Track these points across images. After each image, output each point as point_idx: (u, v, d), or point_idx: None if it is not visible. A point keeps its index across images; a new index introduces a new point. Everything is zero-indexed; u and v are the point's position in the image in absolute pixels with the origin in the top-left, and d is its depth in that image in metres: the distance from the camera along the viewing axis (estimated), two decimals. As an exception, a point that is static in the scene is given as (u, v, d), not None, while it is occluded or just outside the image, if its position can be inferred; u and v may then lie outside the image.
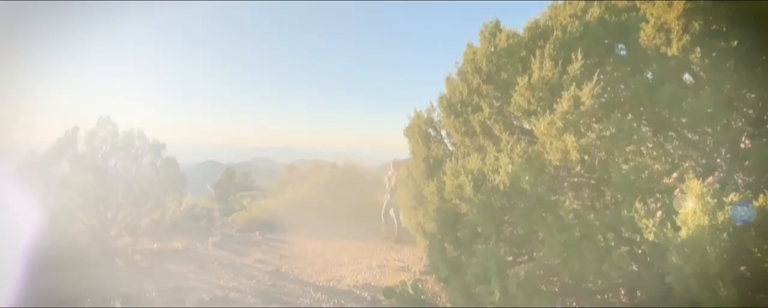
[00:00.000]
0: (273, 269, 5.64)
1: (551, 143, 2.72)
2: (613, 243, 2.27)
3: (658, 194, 2.42)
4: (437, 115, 4.30)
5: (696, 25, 2.54)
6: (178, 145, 7.91)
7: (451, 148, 4.16)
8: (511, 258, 3.32)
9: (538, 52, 3.13)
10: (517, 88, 3.15)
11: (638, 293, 2.75)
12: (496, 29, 3.75)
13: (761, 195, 1.89)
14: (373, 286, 4.83)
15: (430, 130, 4.24)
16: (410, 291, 4.14)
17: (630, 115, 2.51)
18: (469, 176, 3.04)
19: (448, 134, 4.11)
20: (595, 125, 2.55)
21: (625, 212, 2.27)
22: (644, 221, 2.13)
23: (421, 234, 4.04)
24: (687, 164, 2.61)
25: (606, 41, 3.19)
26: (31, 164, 7.03)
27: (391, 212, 7.14)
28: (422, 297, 4.14)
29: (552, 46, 3.06)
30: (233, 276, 5.38)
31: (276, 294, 4.72)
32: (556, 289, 3.07)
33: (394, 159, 7.27)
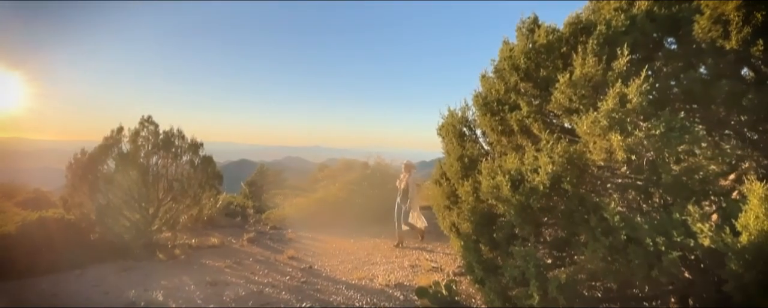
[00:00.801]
0: (306, 266, 5.76)
1: (595, 143, 2.64)
2: (663, 248, 2.18)
3: (713, 197, 2.29)
4: (472, 113, 4.27)
5: (758, 15, 2.39)
6: (212, 144, 8.25)
7: (486, 147, 4.12)
8: (549, 261, 3.25)
9: (580, 48, 3.04)
10: (557, 85, 3.08)
11: (691, 301, 2.62)
12: (534, 25, 3.67)
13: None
14: (405, 286, 4.83)
15: (465, 129, 4.21)
16: (443, 291, 4.13)
17: (682, 112, 2.40)
18: (507, 176, 3.00)
19: (484, 133, 4.07)
20: (642, 124, 2.45)
21: (677, 215, 2.17)
22: (699, 225, 2.03)
23: (455, 234, 4.02)
24: (746, 165, 2.46)
25: (654, 35, 3.06)
26: (80, 162, 7.52)
27: (412, 216, 6.91)
28: (456, 298, 4.11)
29: (595, 41, 2.97)
30: (267, 272, 5.52)
31: (309, 291, 4.80)
32: (599, 294, 2.97)
33: (406, 161, 7.13)
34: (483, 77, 4.09)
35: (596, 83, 2.87)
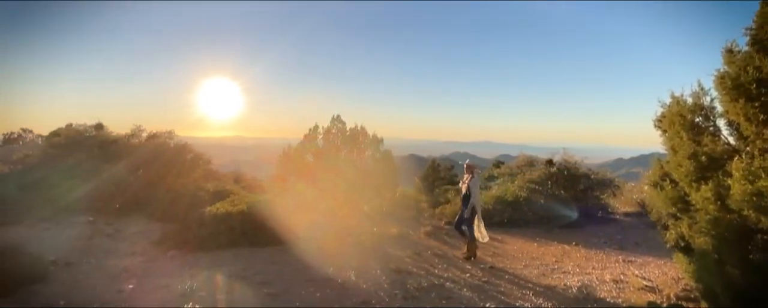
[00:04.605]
0: (486, 266, 5.79)
1: None
2: None
3: None
4: (710, 100, 3.52)
5: None
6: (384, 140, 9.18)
7: (733, 142, 3.34)
8: None
9: None
10: None
11: None
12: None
13: None
14: (608, 302, 4.33)
15: (699, 119, 3.51)
16: (665, 316, 3.57)
17: None
18: (777, 181, 2.39)
19: (731, 124, 3.31)
20: None
21: None
22: None
23: (684, 249, 3.41)
24: None
25: None
26: (287, 156, 9.31)
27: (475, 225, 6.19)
28: (683, 327, 3.51)
29: None
30: (446, 267, 5.75)
31: (492, 292, 4.79)
32: None
33: (468, 162, 6.40)
34: (729, 51, 3.32)
35: None
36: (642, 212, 8.15)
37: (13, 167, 10.46)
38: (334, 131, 9.19)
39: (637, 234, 7.56)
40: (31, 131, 15.82)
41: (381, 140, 8.99)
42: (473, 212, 6.11)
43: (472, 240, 6.21)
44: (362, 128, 9.17)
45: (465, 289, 4.90)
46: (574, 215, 6.68)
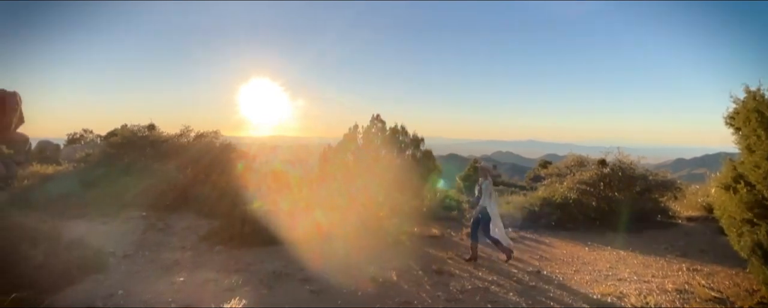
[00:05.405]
0: (533, 270, 5.61)
1: None
2: None
3: None
4: (792, 92, 3.20)
5: None
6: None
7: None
8: None
9: None
10: None
11: None
12: None
13: None
14: (671, 314, 4.07)
15: (780, 115, 3.20)
16: (738, 332, 3.28)
17: None
18: None
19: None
20: None
21: None
22: None
23: (762, 258, 3.12)
24: None
25: None
26: (327, 155, 9.45)
27: (496, 229, 6.03)
28: (760, 344, 3.21)
29: None
30: (490, 270, 5.61)
31: (540, 298, 4.63)
32: None
33: (483, 165, 6.23)
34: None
35: None
36: (708, 217, 7.62)
37: (76, 165, 11.33)
38: (373, 130, 9.23)
39: (702, 240, 7.06)
40: (91, 131, 17.10)
41: (421, 140, 8.93)
42: (486, 217, 6.00)
43: (498, 243, 6.07)
44: (402, 127, 9.15)
45: (511, 293, 4.77)
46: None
